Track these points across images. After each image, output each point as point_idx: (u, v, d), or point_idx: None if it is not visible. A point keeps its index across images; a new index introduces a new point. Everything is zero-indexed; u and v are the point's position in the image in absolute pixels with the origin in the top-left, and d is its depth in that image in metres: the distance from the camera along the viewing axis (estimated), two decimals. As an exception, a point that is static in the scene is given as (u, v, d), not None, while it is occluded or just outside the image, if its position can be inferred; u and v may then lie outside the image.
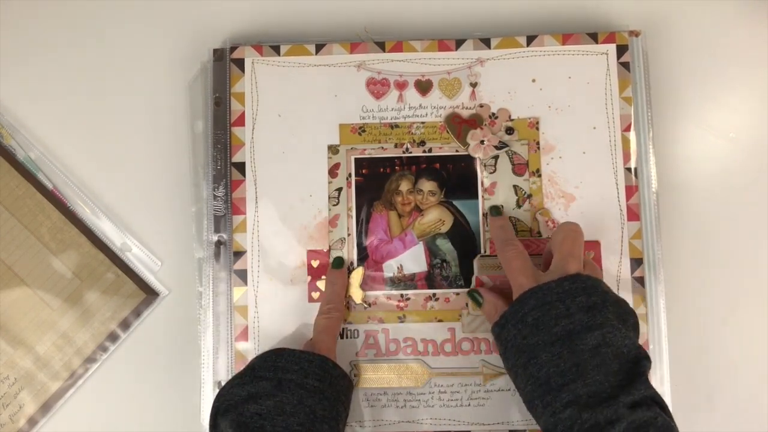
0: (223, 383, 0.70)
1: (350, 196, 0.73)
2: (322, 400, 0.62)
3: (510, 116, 0.73)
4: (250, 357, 0.70)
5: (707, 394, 0.73)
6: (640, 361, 0.58)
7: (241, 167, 0.73)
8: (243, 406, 0.61)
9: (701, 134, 0.76)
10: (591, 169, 0.72)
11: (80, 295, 0.74)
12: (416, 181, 0.73)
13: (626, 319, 0.61)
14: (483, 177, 0.72)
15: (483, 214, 0.72)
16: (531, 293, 0.60)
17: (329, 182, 0.73)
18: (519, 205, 0.72)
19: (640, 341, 0.69)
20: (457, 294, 0.71)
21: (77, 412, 0.74)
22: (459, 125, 0.73)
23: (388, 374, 0.71)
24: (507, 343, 0.61)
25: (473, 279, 0.71)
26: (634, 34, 0.73)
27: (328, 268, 0.72)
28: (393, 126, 0.73)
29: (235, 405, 0.61)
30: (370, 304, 0.72)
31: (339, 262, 0.71)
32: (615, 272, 0.71)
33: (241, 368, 0.66)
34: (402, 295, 0.72)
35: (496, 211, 0.71)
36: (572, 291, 0.59)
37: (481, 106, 0.73)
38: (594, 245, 0.71)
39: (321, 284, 0.72)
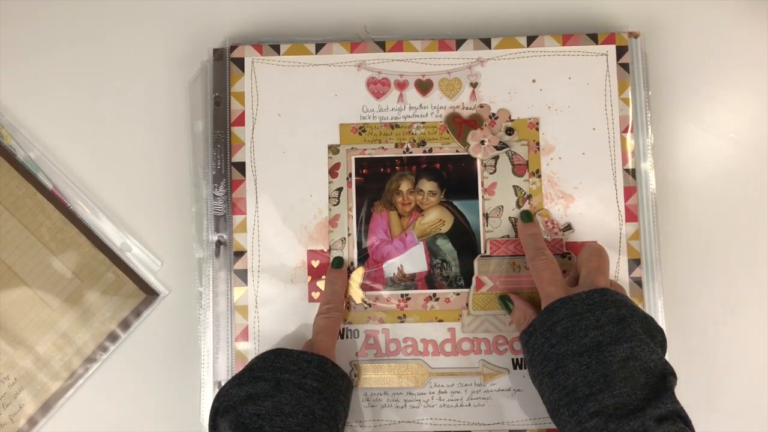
0: (223, 383, 0.70)
1: (350, 196, 0.73)
2: (321, 401, 0.62)
3: (510, 117, 0.73)
4: (251, 357, 0.70)
5: (707, 394, 0.73)
6: (667, 376, 0.58)
7: (241, 167, 0.73)
8: (242, 406, 0.61)
9: (701, 134, 0.76)
10: (590, 169, 0.72)
11: (80, 295, 0.74)
12: (416, 181, 0.73)
13: (654, 335, 0.61)
14: (483, 177, 0.72)
15: (483, 215, 0.72)
16: (561, 303, 0.61)
17: (329, 182, 0.73)
18: (519, 206, 0.72)
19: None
20: (458, 294, 0.71)
21: (77, 412, 0.74)
22: (459, 125, 0.73)
23: (388, 374, 0.71)
24: (534, 351, 0.62)
25: (473, 279, 0.71)
26: (634, 35, 0.74)
27: (328, 268, 0.72)
28: (393, 126, 0.73)
29: (234, 405, 0.61)
30: (370, 304, 0.72)
31: (339, 261, 0.71)
32: (613, 273, 0.71)
33: (241, 368, 0.65)
34: (402, 295, 0.72)
35: (527, 216, 0.71)
36: (602, 303, 0.60)
37: (482, 106, 0.73)
38: (594, 245, 0.71)
39: (321, 284, 0.72)
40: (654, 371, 0.57)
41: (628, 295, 0.70)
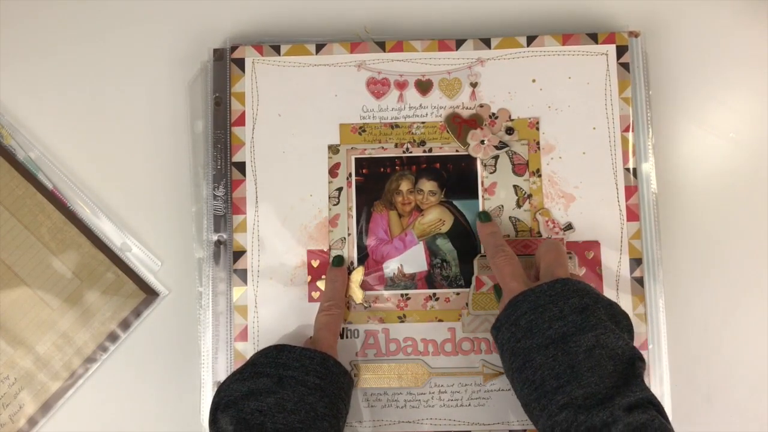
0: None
1: (350, 196, 0.73)
2: (323, 398, 0.62)
3: (510, 116, 0.73)
4: (250, 357, 0.70)
5: (707, 394, 0.73)
6: (635, 362, 0.57)
7: (241, 167, 0.73)
8: (243, 402, 0.60)
9: (701, 134, 0.76)
10: (591, 169, 0.72)
11: (80, 295, 0.74)
12: (416, 181, 0.73)
13: (619, 321, 0.60)
14: (483, 177, 0.72)
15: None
16: (523, 296, 0.61)
17: (329, 182, 0.73)
18: (519, 205, 0.72)
19: (639, 341, 0.70)
20: (458, 294, 0.71)
21: (77, 412, 0.74)
22: (459, 125, 0.73)
23: (388, 374, 0.71)
24: (503, 346, 0.62)
25: (473, 279, 0.71)
26: (634, 34, 0.74)
27: (329, 267, 0.72)
28: (393, 126, 0.73)
29: (236, 401, 0.61)
30: (370, 304, 0.72)
31: (339, 260, 0.71)
32: (614, 272, 0.71)
33: (242, 364, 0.65)
34: (402, 295, 0.72)
35: (485, 216, 0.71)
36: (564, 293, 0.59)
37: (482, 106, 0.73)
38: (594, 245, 0.71)
39: (321, 284, 0.72)
40: (622, 357, 0.57)
41: (628, 295, 0.70)
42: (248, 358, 0.68)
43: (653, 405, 0.56)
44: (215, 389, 0.70)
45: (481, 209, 0.72)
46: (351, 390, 0.67)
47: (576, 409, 0.55)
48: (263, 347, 0.65)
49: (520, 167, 0.72)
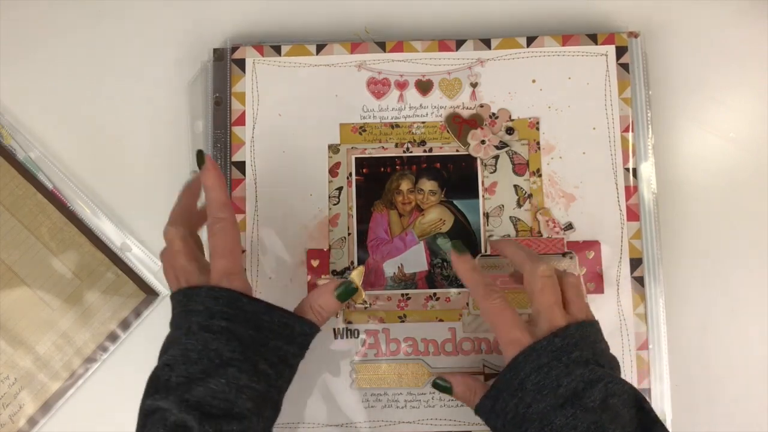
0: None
1: (351, 196, 0.73)
2: (231, 341, 0.55)
3: (510, 116, 0.73)
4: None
5: (707, 394, 0.73)
6: (642, 403, 0.56)
7: (241, 166, 0.73)
8: (160, 359, 0.57)
9: (701, 134, 0.76)
10: (591, 169, 0.72)
11: (80, 295, 0.74)
12: (417, 180, 0.73)
13: (614, 366, 0.59)
14: (483, 177, 0.72)
15: (484, 214, 0.72)
16: (523, 357, 0.57)
17: (330, 181, 0.73)
18: (519, 205, 0.72)
19: (640, 341, 0.70)
20: (458, 293, 0.71)
21: (77, 412, 0.74)
22: (459, 125, 0.73)
23: (388, 374, 0.71)
24: (506, 415, 0.57)
25: (474, 278, 0.71)
26: (634, 35, 0.74)
27: (191, 173, 0.65)
28: (393, 126, 0.73)
29: (160, 356, 0.57)
30: (370, 304, 0.72)
31: (200, 156, 0.61)
32: (615, 272, 0.71)
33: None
34: (402, 295, 0.72)
35: (459, 248, 0.62)
36: (565, 348, 0.56)
37: (482, 106, 0.73)
38: (594, 245, 0.71)
39: (321, 282, 0.71)
40: (630, 402, 0.55)
41: (628, 295, 0.70)
42: None
43: None
44: None
45: (481, 209, 0.72)
46: (293, 334, 0.58)
47: None
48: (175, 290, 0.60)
49: (520, 167, 0.72)
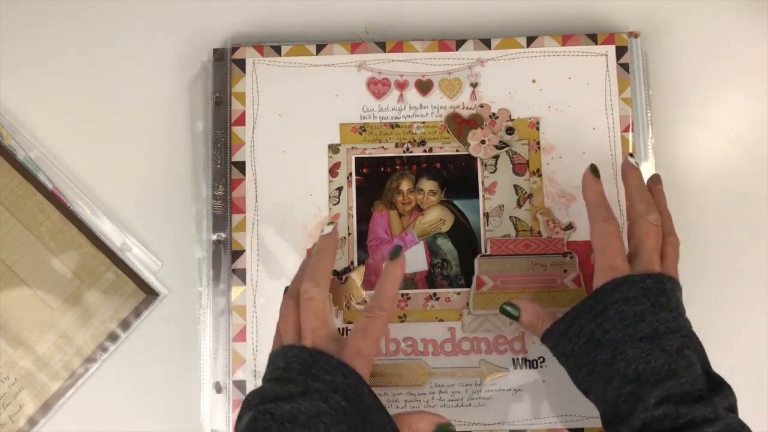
0: (222, 383, 0.70)
1: (351, 196, 0.73)
2: (341, 423, 0.54)
3: (510, 116, 0.73)
4: (248, 357, 0.69)
5: (707, 394, 0.73)
6: (709, 368, 0.58)
7: (241, 166, 0.73)
8: (265, 405, 0.56)
9: (701, 134, 0.76)
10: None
11: (80, 295, 0.74)
12: (417, 180, 0.73)
13: (690, 328, 0.60)
14: (483, 177, 0.72)
15: (484, 214, 0.72)
16: (613, 286, 0.58)
17: (330, 181, 0.73)
18: (519, 205, 0.72)
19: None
20: (458, 294, 0.71)
21: (77, 412, 0.74)
22: (459, 125, 0.73)
23: (388, 374, 0.71)
24: (579, 339, 0.58)
25: (474, 278, 0.71)
26: (633, 35, 0.74)
27: (385, 260, 0.65)
28: (393, 126, 0.73)
29: (261, 402, 0.56)
30: (370, 304, 0.72)
31: (398, 251, 0.63)
32: (615, 272, 0.71)
33: (276, 360, 0.60)
34: (402, 295, 0.72)
35: (596, 172, 0.65)
36: (655, 290, 0.58)
37: (482, 106, 0.73)
38: (594, 245, 0.71)
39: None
40: (704, 363, 0.57)
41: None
42: (246, 358, 0.64)
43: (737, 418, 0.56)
44: (215, 390, 0.69)
45: (481, 209, 0.72)
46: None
47: (676, 403, 0.54)
48: (262, 349, 0.61)
49: (520, 167, 0.72)
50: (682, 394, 0.54)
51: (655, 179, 0.68)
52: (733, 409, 0.55)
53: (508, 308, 0.65)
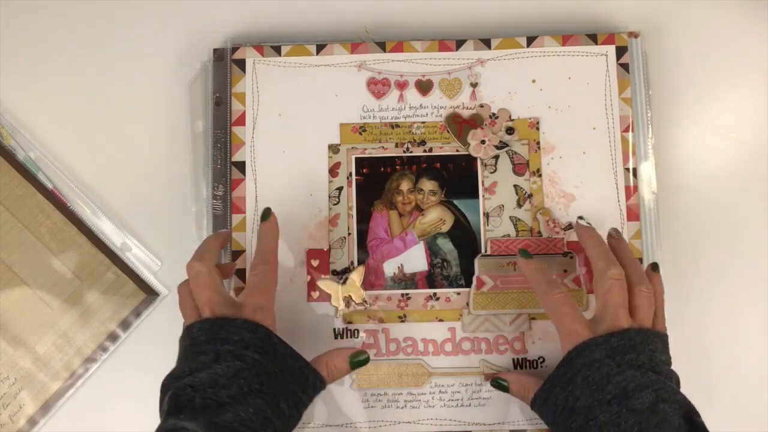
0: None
1: (351, 196, 0.73)
2: (260, 374, 0.57)
3: (510, 116, 0.73)
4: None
5: (707, 394, 0.73)
6: (692, 417, 0.56)
7: (241, 166, 0.73)
8: (181, 380, 0.57)
9: (701, 134, 0.76)
10: (591, 169, 0.72)
11: (80, 295, 0.74)
12: (417, 180, 0.73)
13: (670, 377, 0.59)
14: (483, 177, 0.72)
15: (484, 214, 0.72)
16: (577, 352, 0.59)
17: (330, 181, 0.73)
18: (519, 205, 0.72)
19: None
20: (458, 294, 0.71)
21: (77, 412, 0.74)
22: (459, 125, 0.73)
23: (388, 374, 0.71)
24: (557, 408, 0.59)
25: (474, 279, 0.71)
26: (634, 35, 0.74)
27: (259, 224, 0.68)
28: (393, 126, 0.73)
29: (176, 381, 0.58)
30: (370, 304, 0.72)
31: (267, 212, 0.68)
32: (615, 272, 0.71)
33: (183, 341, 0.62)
34: (402, 295, 0.72)
35: (525, 253, 0.67)
36: (621, 348, 0.58)
37: (482, 106, 0.73)
38: (594, 245, 0.71)
39: (321, 284, 0.71)
40: (682, 413, 0.56)
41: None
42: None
43: None
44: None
45: (481, 209, 0.72)
46: (306, 384, 0.61)
47: None
48: (202, 320, 0.61)
49: (520, 167, 0.72)
50: None
51: (613, 233, 0.69)
52: None
53: (499, 381, 0.67)
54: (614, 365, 0.57)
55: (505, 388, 0.67)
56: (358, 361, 0.64)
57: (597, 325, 0.60)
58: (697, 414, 0.57)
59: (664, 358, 0.60)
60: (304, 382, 0.61)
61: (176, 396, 0.56)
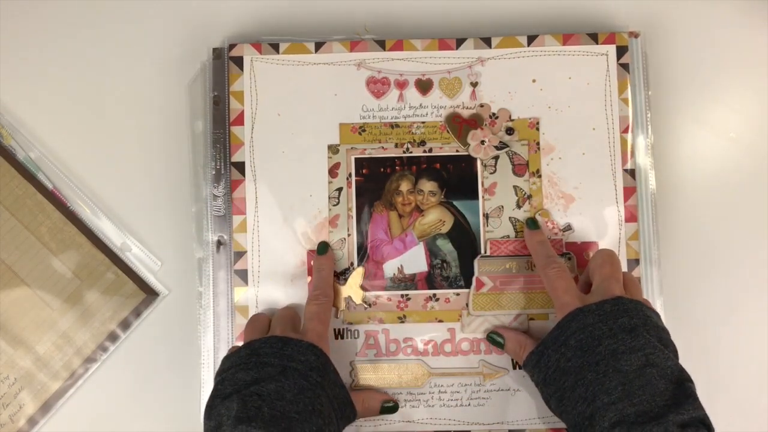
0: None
1: (350, 196, 0.73)
2: (320, 396, 0.61)
3: (510, 116, 0.73)
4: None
5: (707, 394, 0.72)
6: (684, 382, 0.57)
7: (240, 167, 0.73)
8: (247, 389, 0.59)
9: (701, 134, 0.76)
10: (590, 170, 0.72)
11: (80, 295, 0.74)
12: (416, 181, 0.73)
13: (667, 344, 0.61)
14: (483, 177, 0.72)
15: (483, 215, 0.72)
16: (572, 316, 0.61)
17: (329, 182, 0.73)
18: (519, 206, 0.72)
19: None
20: (458, 294, 0.71)
21: (77, 412, 0.74)
22: (459, 125, 0.73)
23: (388, 374, 0.71)
24: (548, 369, 0.62)
25: (473, 279, 0.71)
26: (634, 35, 0.74)
27: (315, 255, 0.71)
28: (393, 126, 0.73)
29: (239, 389, 0.60)
30: (370, 305, 0.72)
31: (324, 247, 0.71)
32: (614, 272, 0.71)
33: (240, 351, 0.64)
34: (402, 296, 0.72)
35: (533, 224, 0.71)
36: (614, 312, 0.60)
37: (482, 106, 0.73)
38: (592, 246, 0.71)
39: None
40: (671, 377, 0.57)
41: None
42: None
43: (705, 426, 0.55)
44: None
45: (481, 210, 0.72)
46: (344, 413, 0.64)
47: (629, 425, 0.54)
48: (266, 337, 0.64)
49: (520, 167, 0.72)
50: (637, 414, 0.55)
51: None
52: (686, 425, 0.54)
53: (494, 336, 0.70)
54: (606, 329, 0.59)
55: (500, 344, 0.69)
56: (389, 407, 0.70)
57: (590, 297, 0.63)
58: (689, 380, 0.58)
59: (661, 325, 0.62)
60: (343, 411, 0.64)
61: (244, 402, 0.58)
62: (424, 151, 0.73)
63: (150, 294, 0.75)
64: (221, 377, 0.62)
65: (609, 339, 0.58)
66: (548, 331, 0.63)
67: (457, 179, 0.72)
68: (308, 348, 0.63)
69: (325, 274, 0.71)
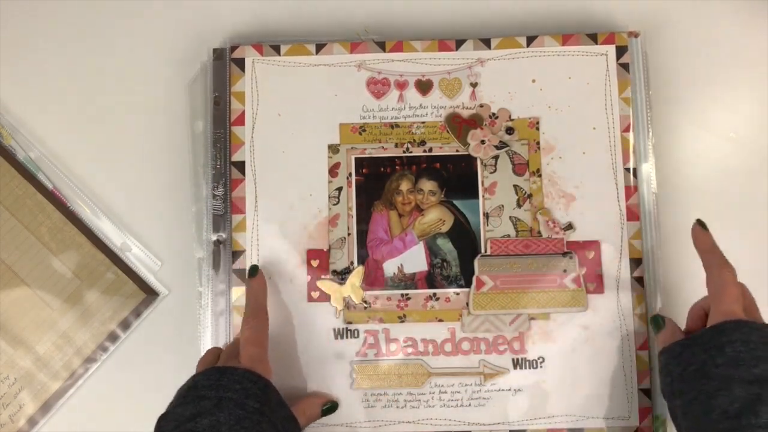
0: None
1: (350, 196, 0.73)
2: (260, 423, 0.59)
3: (510, 116, 0.73)
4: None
5: (707, 394, 0.73)
6: None
7: (240, 166, 0.73)
8: (184, 425, 0.58)
9: (701, 134, 0.76)
10: (591, 169, 0.72)
11: (80, 295, 0.74)
12: (416, 180, 0.73)
13: None
14: (483, 177, 0.72)
15: (483, 214, 0.72)
16: (736, 325, 0.59)
17: (329, 182, 0.73)
18: (519, 205, 0.72)
19: (639, 341, 0.70)
20: (458, 294, 0.71)
21: (77, 412, 0.74)
22: (459, 125, 0.73)
23: (388, 374, 0.71)
24: (689, 365, 0.59)
25: (474, 279, 0.71)
26: (634, 34, 0.74)
27: (246, 279, 0.71)
28: (393, 126, 0.73)
29: (178, 426, 0.58)
30: (370, 304, 0.72)
31: (254, 269, 0.71)
32: (614, 272, 0.71)
33: (183, 387, 0.63)
34: (402, 295, 0.72)
35: (704, 225, 0.67)
36: None
37: (482, 106, 0.73)
38: (594, 245, 0.71)
39: (321, 284, 0.71)
40: None
41: (628, 294, 0.71)
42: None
43: None
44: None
45: (481, 209, 0.72)
46: (291, 430, 0.64)
47: None
48: (205, 369, 0.64)
49: (520, 167, 0.72)
50: None
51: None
52: None
53: (658, 319, 0.67)
54: (766, 352, 0.57)
55: (659, 328, 0.66)
56: (328, 408, 0.70)
57: (750, 316, 0.61)
58: None
59: None
60: (288, 429, 0.63)
61: None
62: (424, 151, 0.73)
63: (150, 294, 0.75)
64: (165, 412, 0.61)
65: (766, 364, 0.56)
66: (701, 329, 0.61)
67: (457, 179, 0.72)
68: (244, 375, 0.61)
69: (257, 297, 0.69)
